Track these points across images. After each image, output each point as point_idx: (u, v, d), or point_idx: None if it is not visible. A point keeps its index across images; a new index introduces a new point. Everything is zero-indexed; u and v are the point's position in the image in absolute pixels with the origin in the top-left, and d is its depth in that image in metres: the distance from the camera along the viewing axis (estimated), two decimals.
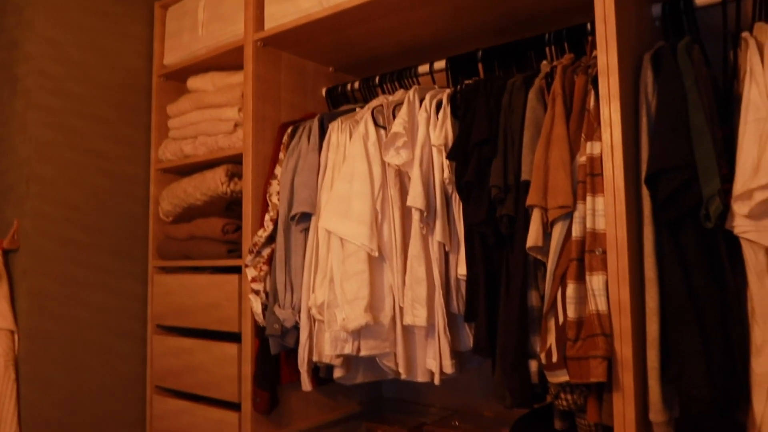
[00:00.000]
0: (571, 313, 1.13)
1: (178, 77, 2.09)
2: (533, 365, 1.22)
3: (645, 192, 1.13)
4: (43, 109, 1.88)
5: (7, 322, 1.77)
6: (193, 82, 1.99)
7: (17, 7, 1.92)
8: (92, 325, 1.96)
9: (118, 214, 2.04)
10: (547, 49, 1.48)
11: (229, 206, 1.82)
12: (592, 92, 1.22)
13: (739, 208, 1.06)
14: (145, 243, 2.08)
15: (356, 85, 1.84)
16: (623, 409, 1.06)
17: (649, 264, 1.10)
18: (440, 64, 1.65)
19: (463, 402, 1.87)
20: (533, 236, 1.19)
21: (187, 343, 1.87)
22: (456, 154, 1.36)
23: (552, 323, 1.18)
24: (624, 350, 1.07)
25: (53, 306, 1.86)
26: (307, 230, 1.62)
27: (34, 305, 1.83)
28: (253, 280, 1.66)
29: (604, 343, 1.07)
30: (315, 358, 1.56)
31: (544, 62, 1.43)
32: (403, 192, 1.50)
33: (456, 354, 1.46)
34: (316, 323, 1.55)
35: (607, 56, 1.14)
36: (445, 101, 1.47)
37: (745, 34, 1.15)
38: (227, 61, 1.91)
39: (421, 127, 1.46)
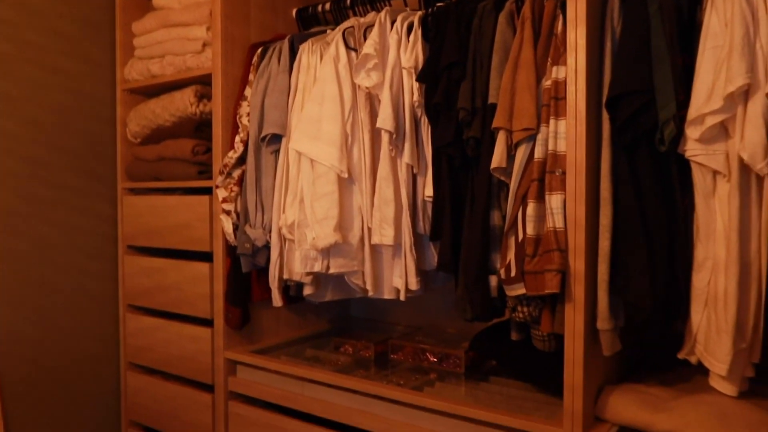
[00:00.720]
0: (530, 230, 1.19)
1: None
2: (493, 280, 1.29)
3: (605, 116, 1.17)
4: (2, 23, 1.81)
5: None
6: None
7: None
8: (61, 245, 1.97)
9: (84, 135, 2.01)
10: None
11: (199, 127, 1.82)
12: (561, 17, 1.24)
13: (692, 133, 1.11)
14: (113, 164, 2.07)
15: (327, 6, 1.81)
16: (573, 318, 1.15)
17: (605, 184, 1.15)
18: None
19: (427, 320, 1.96)
20: (497, 158, 1.24)
21: (158, 263, 1.91)
22: (425, 76, 1.37)
23: (512, 240, 1.24)
24: (577, 264, 1.14)
25: (20, 225, 1.86)
26: (277, 152, 1.64)
27: (3, 224, 1.82)
28: (224, 200, 1.69)
29: (559, 258, 1.14)
30: (285, 276, 1.61)
31: None
32: (373, 115, 1.52)
33: (421, 272, 1.53)
34: (287, 242, 1.60)
35: None
36: (416, 24, 1.46)
37: None
38: None
39: (392, 50, 1.47)
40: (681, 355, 1.21)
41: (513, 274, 1.21)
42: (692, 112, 1.11)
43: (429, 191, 1.43)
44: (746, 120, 1.06)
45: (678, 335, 1.22)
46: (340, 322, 2.10)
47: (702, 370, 1.22)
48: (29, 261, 1.88)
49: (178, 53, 1.85)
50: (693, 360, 1.19)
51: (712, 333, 1.13)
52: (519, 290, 1.20)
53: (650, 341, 1.34)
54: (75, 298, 2.00)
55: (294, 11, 1.91)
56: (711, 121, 1.08)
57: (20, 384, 1.86)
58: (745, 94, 1.06)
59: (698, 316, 1.16)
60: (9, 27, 1.82)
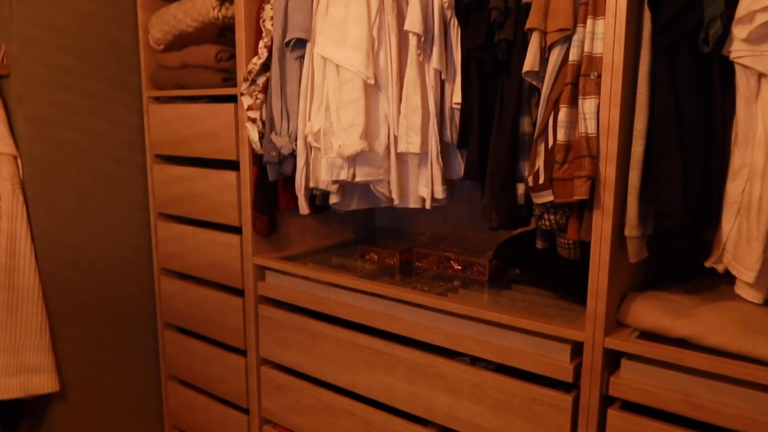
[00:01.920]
0: (561, 136, 1.16)
1: None
2: (520, 188, 1.28)
3: (647, 14, 1.11)
4: None
5: (8, 148, 1.81)
6: None
7: None
8: (92, 152, 1.99)
9: (108, 42, 1.98)
10: None
11: (222, 33, 1.77)
12: None
13: (739, 32, 1.05)
14: (137, 72, 2.05)
15: None
16: (601, 225, 1.14)
17: (642, 88, 1.11)
18: None
19: (451, 230, 1.98)
20: (530, 60, 1.19)
21: (186, 172, 1.93)
22: None
23: (542, 147, 1.21)
24: (608, 170, 1.12)
25: (51, 132, 1.88)
26: (302, 57, 1.60)
27: (33, 131, 1.84)
28: (249, 108, 1.67)
29: (589, 164, 1.11)
30: (312, 185, 1.62)
31: None
32: (401, 18, 1.46)
33: (447, 182, 1.52)
34: (313, 150, 1.59)
35: None
36: None
37: None
38: None
39: None
40: (708, 264, 1.20)
41: (541, 181, 1.19)
42: (741, 9, 1.05)
43: (457, 98, 1.39)
44: None
45: (705, 244, 1.21)
46: (365, 232, 2.13)
47: (727, 279, 1.22)
48: (61, 168, 1.92)
49: None
50: (720, 268, 1.19)
51: (743, 241, 1.12)
52: (547, 197, 1.19)
53: (677, 250, 1.34)
54: (107, 205, 2.05)
55: None
56: (761, 18, 1.01)
57: (61, 286, 1.95)
58: None
59: (729, 224, 1.15)
60: None
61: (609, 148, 1.11)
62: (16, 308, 1.83)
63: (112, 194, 2.05)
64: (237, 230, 1.82)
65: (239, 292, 1.85)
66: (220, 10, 1.75)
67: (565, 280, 1.42)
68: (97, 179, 2.01)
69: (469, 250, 1.76)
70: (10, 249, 1.81)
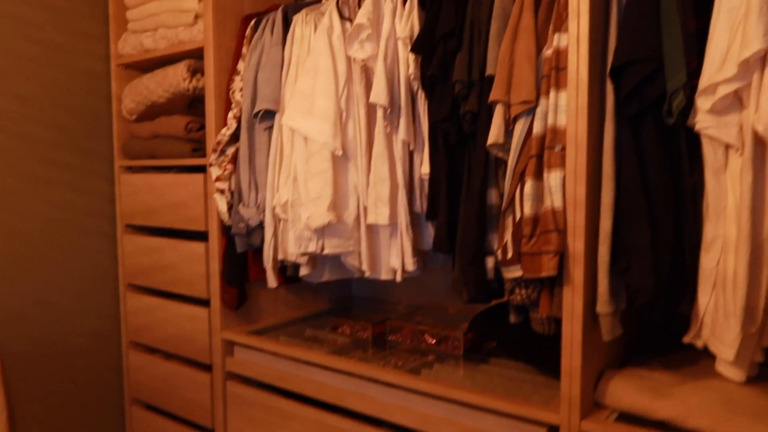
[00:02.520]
0: (527, 209, 1.12)
1: None
2: (490, 261, 1.24)
3: (609, 86, 1.10)
4: None
5: None
6: None
7: None
8: (61, 223, 1.95)
9: (80, 111, 1.97)
10: None
11: (192, 104, 1.76)
12: None
13: (703, 103, 1.03)
14: (109, 142, 2.04)
15: None
16: (572, 301, 1.09)
17: (608, 160, 1.08)
18: None
19: (429, 299, 1.92)
20: (495, 133, 1.17)
21: (156, 242, 1.88)
22: (420, 47, 1.30)
23: (509, 220, 1.18)
24: (576, 245, 1.08)
25: (18, 204, 1.84)
26: (271, 128, 1.59)
27: (0, 203, 1.81)
28: (218, 179, 1.64)
29: (556, 239, 1.07)
30: (280, 257, 1.57)
31: None
32: (369, 89, 1.45)
33: (419, 252, 1.48)
34: (281, 222, 1.55)
35: None
36: None
37: None
38: None
39: (387, 19, 1.39)
40: (686, 339, 1.15)
41: (510, 255, 1.15)
42: (704, 80, 1.03)
43: (426, 168, 1.37)
44: (762, 88, 0.97)
45: (683, 319, 1.16)
46: (340, 302, 2.07)
47: (708, 355, 1.16)
48: (29, 240, 1.87)
49: (170, 26, 1.79)
50: (699, 344, 1.13)
51: (720, 316, 1.07)
52: (516, 272, 1.14)
53: (654, 325, 1.28)
54: (76, 276, 1.98)
55: None
56: (724, 90, 1.00)
57: (23, 362, 1.86)
58: (762, 60, 0.98)
59: (706, 298, 1.10)
60: (0, 2, 1.78)
61: (577, 221, 1.08)
62: None
63: (81, 265, 1.99)
64: (205, 303, 1.75)
65: (207, 368, 1.77)
66: (190, 82, 1.75)
67: (541, 355, 1.36)
68: (65, 250, 1.95)
69: (446, 321, 1.70)
70: None
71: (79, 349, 2.00)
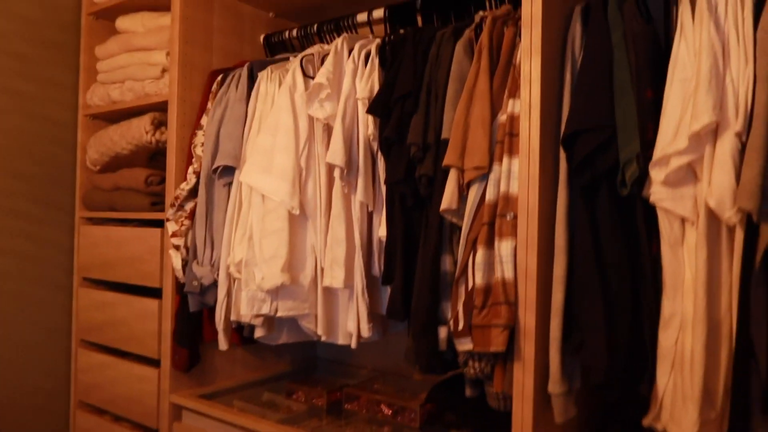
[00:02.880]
0: (479, 279, 1.08)
1: (108, 15, 1.95)
2: (443, 331, 1.18)
3: (563, 154, 1.07)
4: None
5: None
6: (122, 22, 1.87)
7: None
8: (16, 275, 1.88)
9: (44, 160, 1.94)
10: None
11: (155, 156, 1.74)
12: (520, 45, 1.14)
13: (656, 175, 1.00)
14: (72, 192, 1.99)
15: (294, 33, 1.74)
16: (522, 379, 1.03)
17: (560, 230, 1.04)
18: (379, 13, 1.55)
19: (394, 364, 1.84)
20: (448, 198, 1.13)
21: (109, 297, 1.81)
22: (377, 108, 1.28)
23: (462, 289, 1.13)
24: (528, 319, 1.03)
25: None
26: (230, 185, 1.55)
27: None
28: (174, 234, 1.59)
29: (506, 312, 1.02)
30: (233, 318, 1.50)
31: (480, 12, 1.35)
32: None
33: (378, 317, 1.42)
34: (235, 281, 1.49)
35: (531, 7, 1.06)
36: (373, 52, 1.38)
37: None
38: (159, 1, 1.79)
39: (347, 79, 1.38)
40: (646, 423, 1.08)
41: (461, 326, 1.09)
42: (657, 151, 1.01)
43: (383, 231, 1.32)
44: (714, 162, 0.95)
45: (643, 400, 1.09)
46: (302, 363, 1.98)
47: None
48: None
49: (138, 79, 1.78)
50: (659, 427, 1.06)
51: (678, 399, 1.00)
52: (467, 345, 1.08)
53: (612, 406, 1.22)
54: (27, 330, 1.90)
55: (261, 37, 1.84)
56: (676, 162, 0.97)
57: None
58: (714, 132, 0.95)
59: (664, 378, 1.04)
60: None
61: (528, 294, 1.03)
62: None
63: (32, 319, 1.91)
64: (156, 363, 1.67)
65: None
66: (153, 134, 1.72)
67: (500, 430, 1.28)
68: (18, 303, 1.88)
69: (409, 389, 1.62)
70: None
71: (26, 405, 1.90)
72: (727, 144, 0.93)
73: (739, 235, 0.95)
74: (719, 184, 0.93)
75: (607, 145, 1.02)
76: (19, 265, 1.88)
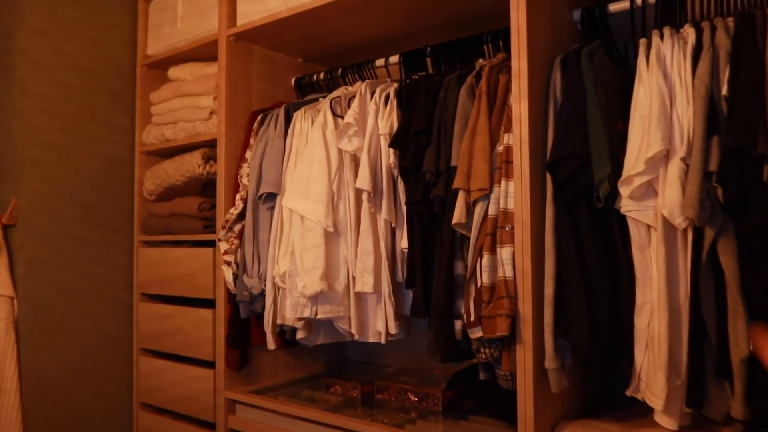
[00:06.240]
0: (485, 279, 1.33)
1: (160, 66, 2.26)
2: (458, 324, 1.43)
3: (549, 177, 1.33)
4: (37, 97, 2.06)
5: (7, 290, 1.98)
6: (173, 72, 2.17)
7: (12, 3, 2.09)
8: (84, 293, 2.16)
9: (107, 193, 2.23)
10: (485, 47, 1.67)
11: (205, 186, 2.02)
12: (512, 91, 1.41)
13: (624, 191, 1.26)
14: (130, 219, 2.28)
15: (321, 75, 2.03)
16: (524, 357, 1.28)
17: (549, 237, 1.30)
18: (394, 59, 1.83)
19: (415, 362, 2.08)
20: (458, 214, 1.39)
21: (167, 310, 2.08)
22: (397, 143, 1.55)
23: (472, 288, 1.38)
24: (525, 309, 1.28)
25: (48, 275, 2.07)
26: (272, 208, 1.82)
27: (31, 274, 2.03)
28: (226, 252, 1.86)
29: (508, 304, 1.27)
30: (279, 321, 1.76)
31: (480, 60, 1.62)
32: (358, 175, 1.69)
33: (402, 317, 1.67)
34: (280, 290, 1.75)
35: (519, 62, 1.33)
36: (392, 95, 1.65)
37: (641, 40, 1.33)
38: (204, 52, 2.09)
39: (371, 118, 1.65)
40: (628, 393, 1.32)
41: (472, 318, 1.35)
42: (624, 173, 1.26)
43: (404, 243, 1.58)
44: (666, 181, 1.20)
45: (624, 375, 1.33)
46: (335, 365, 2.23)
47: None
48: (54, 308, 2.08)
49: (188, 120, 2.07)
50: (639, 397, 1.30)
51: (651, 371, 1.25)
52: (478, 333, 1.33)
53: (599, 378, 1.45)
54: (94, 341, 2.18)
55: (293, 80, 2.13)
56: (638, 181, 1.23)
57: (43, 422, 2.02)
58: (666, 158, 1.21)
59: (641, 355, 1.28)
60: (44, 101, 2.07)
61: (525, 289, 1.28)
62: None
63: (99, 331, 2.19)
64: (211, 365, 1.93)
65: (211, 426, 1.93)
66: (204, 167, 2.01)
67: (510, 409, 1.52)
68: (86, 317, 2.16)
69: (430, 382, 1.86)
70: None
71: (95, 409, 2.17)
72: (675, 166, 1.18)
73: (690, 237, 1.20)
74: (669, 198, 1.18)
75: (583, 168, 1.28)
76: (86, 284, 2.17)
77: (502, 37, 1.63)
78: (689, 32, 1.25)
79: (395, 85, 1.68)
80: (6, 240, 2.04)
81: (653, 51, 1.27)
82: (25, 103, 2.04)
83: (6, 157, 2.08)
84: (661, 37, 1.28)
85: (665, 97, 1.21)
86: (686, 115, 1.19)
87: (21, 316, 2.00)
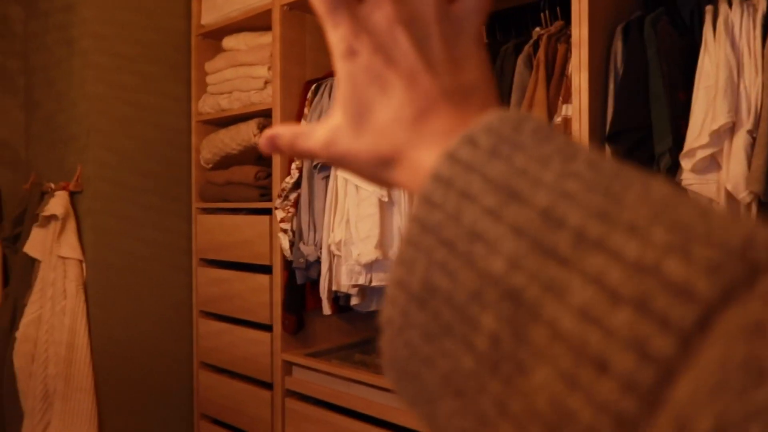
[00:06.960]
0: None
1: (215, 36, 2.30)
2: None
3: (608, 148, 1.32)
4: (98, 68, 2.13)
5: (76, 253, 2.09)
6: (227, 42, 2.20)
7: None
8: (146, 257, 2.26)
9: (165, 161, 2.31)
10: (541, 14, 1.64)
11: (261, 156, 2.06)
12: (571, 60, 1.40)
13: (686, 164, 1.25)
14: (188, 187, 2.36)
15: None
16: None
17: None
18: None
19: None
20: None
21: (225, 275, 2.17)
22: None
23: None
24: None
25: (112, 240, 2.17)
26: (327, 177, 1.86)
27: (97, 239, 2.13)
28: (282, 220, 1.92)
29: None
30: (334, 288, 1.82)
31: (536, 29, 1.60)
32: None
33: None
34: (335, 258, 1.81)
35: (579, 30, 1.31)
36: None
37: (708, 8, 1.30)
38: (258, 22, 2.11)
39: None
40: None
41: None
42: (686, 145, 1.25)
43: None
44: (731, 154, 1.18)
45: None
46: None
47: None
48: (119, 271, 2.19)
49: (243, 90, 2.11)
50: None
51: None
52: None
53: None
54: (156, 303, 2.29)
55: None
56: (701, 154, 1.21)
57: (110, 378, 2.16)
58: (731, 130, 1.19)
59: None
60: (104, 72, 2.14)
61: None
62: (70, 397, 2.04)
63: (160, 294, 2.30)
64: (268, 328, 2.02)
65: (269, 386, 2.02)
66: (259, 137, 2.05)
67: None
68: (148, 280, 2.27)
69: None
70: (70, 342, 2.05)
71: (158, 367, 2.29)
72: (740, 139, 1.16)
73: (753, 212, 1.19)
74: (734, 172, 1.16)
75: (644, 141, 1.27)
76: (148, 249, 2.27)
77: (560, 4, 1.60)
78: None
79: None
80: (73, 206, 2.14)
81: (720, 19, 1.24)
82: (87, 74, 2.11)
83: (71, 127, 2.17)
84: (730, 4, 1.24)
85: (732, 67, 1.18)
86: (754, 86, 1.16)
87: (89, 280, 2.12)
